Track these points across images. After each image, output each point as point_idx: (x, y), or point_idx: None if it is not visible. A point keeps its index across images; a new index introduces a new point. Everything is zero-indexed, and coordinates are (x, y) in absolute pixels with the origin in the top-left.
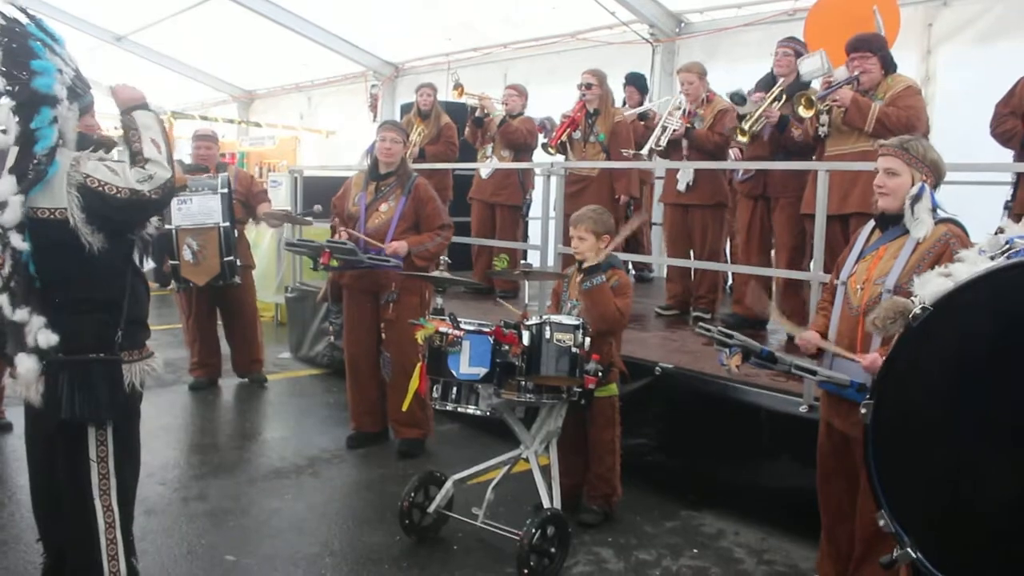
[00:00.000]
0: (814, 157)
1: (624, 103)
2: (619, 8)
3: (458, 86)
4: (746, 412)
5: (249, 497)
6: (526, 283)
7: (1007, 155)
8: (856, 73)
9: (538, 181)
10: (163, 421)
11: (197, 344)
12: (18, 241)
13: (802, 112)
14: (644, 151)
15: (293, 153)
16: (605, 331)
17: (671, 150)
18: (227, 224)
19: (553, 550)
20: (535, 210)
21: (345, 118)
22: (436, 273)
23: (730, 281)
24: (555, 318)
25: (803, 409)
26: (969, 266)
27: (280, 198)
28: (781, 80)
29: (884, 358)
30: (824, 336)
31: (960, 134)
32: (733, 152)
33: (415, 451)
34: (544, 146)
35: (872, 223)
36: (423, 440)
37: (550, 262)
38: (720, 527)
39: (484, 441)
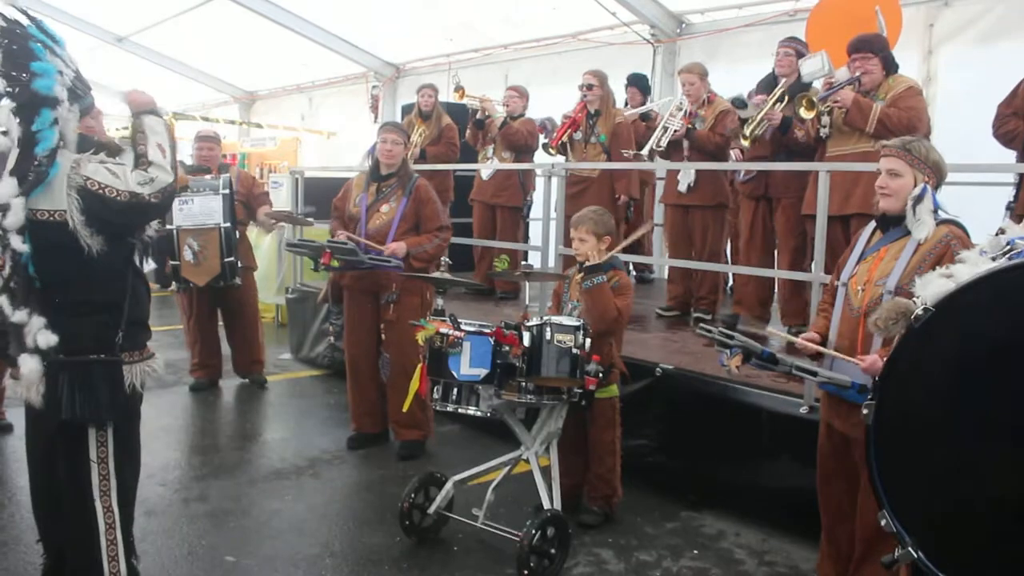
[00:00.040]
0: (816, 158)
1: (626, 104)
2: (620, 9)
3: (459, 88)
4: (747, 413)
5: (249, 498)
6: (527, 284)
7: (1007, 155)
8: (857, 74)
9: (539, 182)
10: (163, 422)
11: (198, 345)
12: (18, 243)
13: (803, 113)
14: (644, 152)
15: (294, 154)
16: (604, 331)
17: (672, 151)
18: (228, 225)
19: (553, 551)
20: (536, 211)
21: (346, 119)
22: (437, 274)
23: (731, 282)
24: (556, 319)
25: (803, 410)
26: (970, 267)
27: (281, 199)
28: (783, 81)
29: (885, 359)
30: (825, 337)
31: (961, 134)
32: (734, 153)
33: (415, 452)
34: (545, 147)
35: (873, 224)
36: (423, 441)
37: (551, 263)
38: (721, 528)
39: (484, 442)
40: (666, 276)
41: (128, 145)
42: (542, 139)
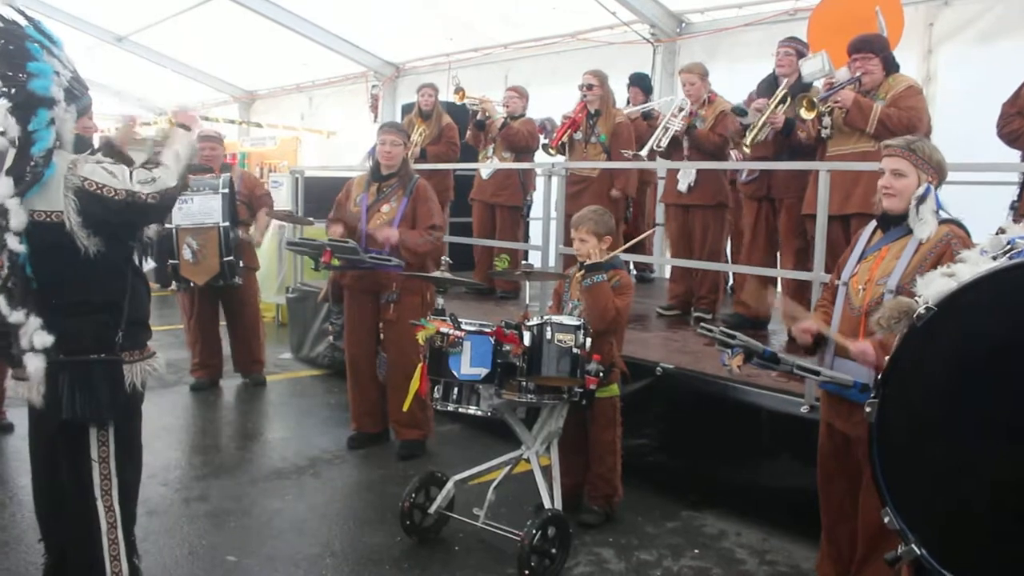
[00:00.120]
0: (816, 158)
1: (628, 103)
2: (620, 8)
3: (459, 90)
4: (747, 413)
5: (250, 498)
6: (527, 284)
7: (1007, 154)
8: (858, 74)
9: (539, 182)
10: (164, 422)
11: (198, 345)
12: (15, 243)
13: (803, 114)
14: (644, 152)
15: (294, 154)
16: (604, 330)
17: (672, 150)
18: (227, 224)
19: (554, 551)
20: (536, 211)
21: (346, 118)
22: (437, 273)
23: (731, 281)
24: (556, 319)
25: (804, 410)
26: (972, 266)
27: (281, 198)
28: (784, 82)
29: (888, 358)
30: (818, 333)
31: (961, 134)
32: (734, 153)
33: (416, 452)
34: (545, 147)
35: (873, 223)
36: (424, 441)
37: (551, 262)
38: (721, 527)
39: (485, 442)
40: (667, 275)
41: (146, 145)
42: (542, 139)
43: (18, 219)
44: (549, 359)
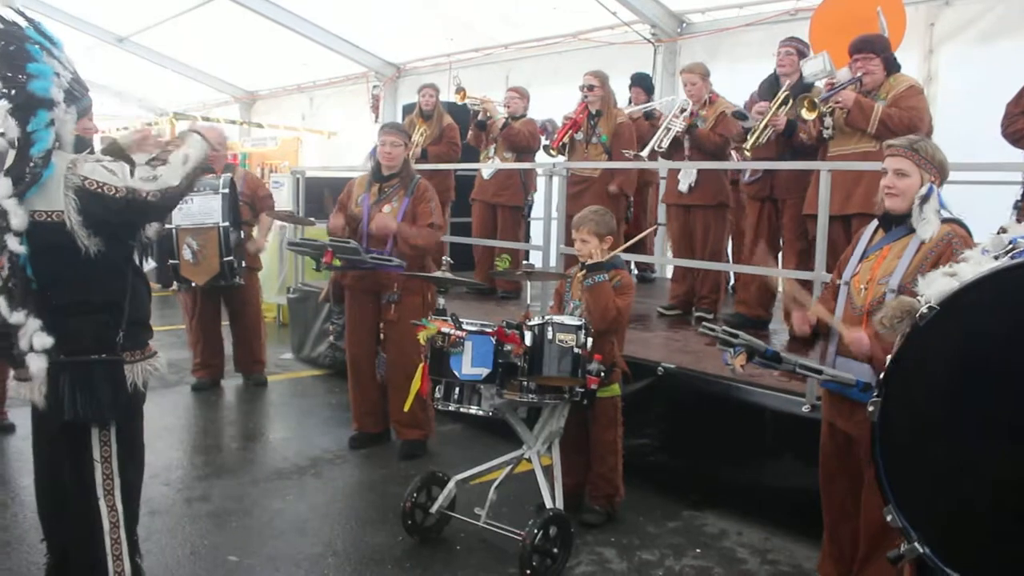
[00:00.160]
0: (818, 158)
1: (630, 103)
2: (620, 8)
3: (460, 90)
4: (748, 412)
5: (252, 498)
6: (528, 284)
7: (1008, 154)
8: (859, 75)
9: (540, 182)
10: (166, 422)
11: (200, 345)
12: (15, 244)
13: (805, 114)
14: (644, 152)
15: (295, 154)
16: (605, 330)
17: (673, 150)
18: (226, 224)
19: (556, 550)
20: (537, 211)
21: (347, 119)
22: (438, 273)
23: (732, 281)
24: (557, 318)
25: (805, 409)
26: (974, 266)
27: (282, 199)
28: (786, 84)
29: (890, 357)
30: (822, 332)
31: (962, 134)
32: (735, 153)
33: (417, 451)
34: (546, 148)
35: (875, 223)
36: (425, 441)
37: (552, 262)
38: (723, 527)
39: (486, 441)
40: (668, 275)
41: (157, 147)
42: (543, 140)
43: (18, 219)
44: (550, 359)
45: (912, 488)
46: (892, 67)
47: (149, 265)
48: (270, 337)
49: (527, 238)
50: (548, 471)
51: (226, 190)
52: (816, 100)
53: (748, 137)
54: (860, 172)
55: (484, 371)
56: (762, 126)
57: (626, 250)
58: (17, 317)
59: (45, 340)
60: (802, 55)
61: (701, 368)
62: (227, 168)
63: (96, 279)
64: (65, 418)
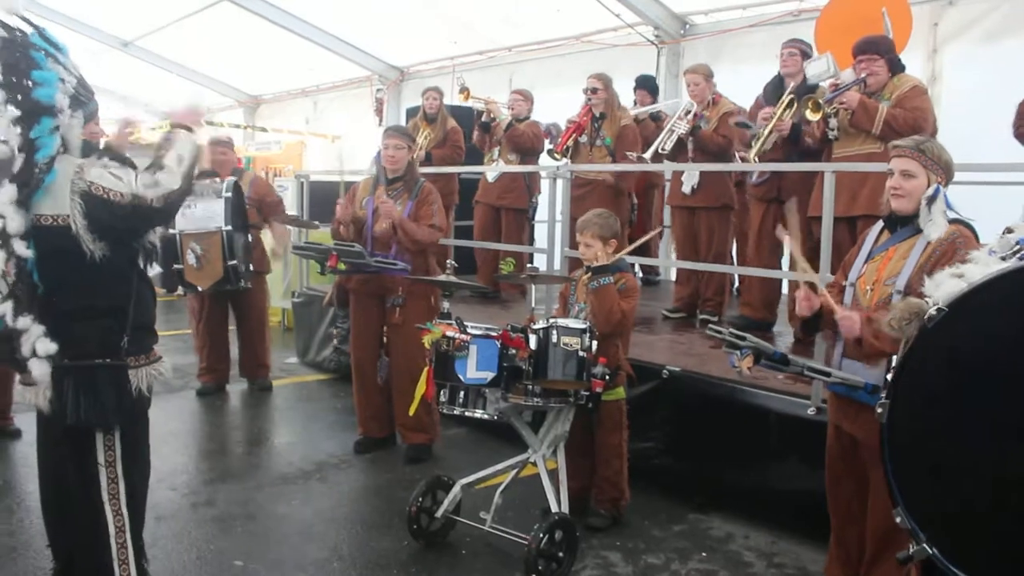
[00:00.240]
0: (822, 159)
1: (635, 104)
2: (624, 10)
3: (464, 90)
4: (753, 415)
5: (257, 502)
6: (532, 287)
7: (1011, 154)
8: (863, 75)
9: (544, 184)
10: (171, 426)
11: (206, 349)
12: (22, 248)
13: (809, 115)
14: (647, 154)
15: (299, 158)
16: (609, 333)
17: (677, 152)
18: (229, 228)
19: (561, 554)
20: (541, 213)
21: (351, 122)
22: (443, 277)
23: (736, 283)
24: (562, 322)
25: (811, 411)
26: (982, 267)
27: (287, 203)
28: (790, 86)
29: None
30: (825, 318)
31: (967, 134)
32: (739, 155)
33: (422, 456)
34: (550, 152)
35: (880, 224)
36: (430, 445)
37: (556, 265)
38: (729, 530)
39: (491, 445)
40: (673, 278)
41: (148, 150)
42: (547, 144)
43: (16, 224)
44: (555, 362)
45: (920, 489)
46: (896, 68)
47: (154, 270)
48: (275, 341)
49: (531, 241)
50: (553, 475)
51: (229, 194)
52: (820, 101)
53: (752, 144)
54: (865, 173)
55: (489, 375)
56: (767, 132)
57: (630, 253)
58: (23, 322)
59: (49, 346)
60: (805, 56)
61: (706, 371)
62: (235, 172)
63: (101, 284)
64: (69, 422)
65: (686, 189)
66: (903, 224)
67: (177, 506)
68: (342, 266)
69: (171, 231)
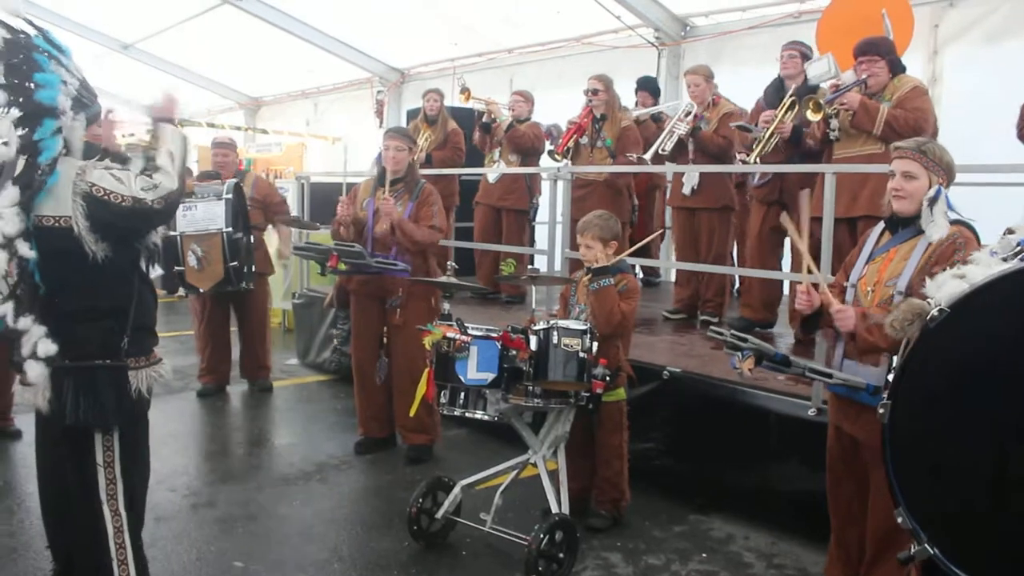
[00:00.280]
0: (822, 160)
1: (636, 105)
2: (624, 12)
3: (465, 90)
4: (754, 416)
5: (258, 503)
6: (533, 288)
7: (1011, 155)
8: (864, 76)
9: (545, 186)
10: (171, 428)
11: (208, 350)
12: (25, 249)
13: (810, 115)
14: (648, 155)
15: (300, 159)
16: (610, 334)
17: (678, 153)
18: (230, 230)
19: (562, 555)
20: (542, 214)
21: (351, 124)
22: (443, 278)
23: (737, 285)
24: (563, 323)
25: (811, 412)
26: (983, 268)
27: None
28: (791, 89)
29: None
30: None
31: (967, 135)
32: (740, 156)
33: (423, 457)
34: (551, 153)
35: (881, 225)
36: (431, 446)
37: (557, 267)
38: (729, 531)
39: (492, 446)
40: (673, 279)
41: (139, 151)
42: (548, 145)
43: (13, 225)
44: (556, 363)
45: (921, 489)
46: (897, 69)
47: (156, 272)
48: (275, 343)
49: (532, 242)
50: (554, 476)
51: (230, 196)
52: (821, 101)
53: (754, 147)
54: (866, 174)
55: (489, 376)
56: (767, 135)
57: (631, 254)
58: (24, 322)
59: (49, 347)
60: (805, 58)
61: (706, 372)
62: (237, 174)
63: (103, 285)
64: (68, 422)
65: (686, 190)
66: (904, 225)
67: (177, 507)
68: (342, 266)
69: (172, 233)
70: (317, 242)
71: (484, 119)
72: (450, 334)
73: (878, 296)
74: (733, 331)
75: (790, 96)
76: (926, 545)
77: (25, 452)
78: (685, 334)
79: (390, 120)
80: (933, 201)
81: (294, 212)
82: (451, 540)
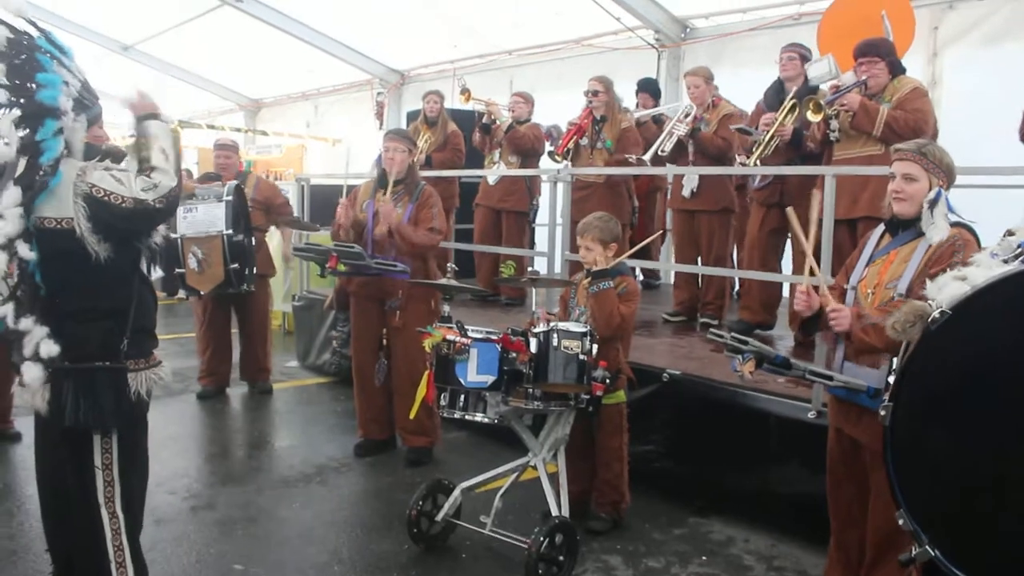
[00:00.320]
0: (822, 161)
1: (637, 107)
2: (624, 14)
3: (465, 91)
4: (754, 418)
5: (257, 506)
6: (533, 290)
7: (1011, 157)
8: (864, 78)
9: (545, 187)
10: (171, 430)
11: (208, 352)
12: (25, 251)
13: (810, 116)
14: (647, 156)
15: (300, 161)
16: (609, 337)
17: (678, 155)
18: (230, 232)
19: (561, 558)
20: (542, 216)
21: (352, 126)
22: (443, 280)
23: (736, 287)
24: (563, 325)
25: (811, 415)
26: (984, 270)
27: None
28: (792, 90)
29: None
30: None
31: (967, 137)
32: (740, 158)
33: (423, 459)
34: (551, 154)
35: (881, 227)
36: (431, 448)
37: (557, 269)
38: (729, 534)
39: (492, 449)
40: (672, 282)
41: (132, 152)
42: (548, 146)
43: (14, 226)
44: (556, 366)
45: (923, 491)
46: (897, 70)
47: (156, 274)
48: (275, 345)
49: (531, 244)
50: (554, 478)
51: (230, 198)
52: (821, 102)
53: (754, 149)
54: (867, 176)
55: (489, 378)
56: (768, 138)
57: (631, 256)
58: (26, 323)
59: (52, 348)
60: (805, 60)
61: (706, 374)
62: (239, 176)
63: (104, 286)
64: (67, 424)
65: (685, 193)
66: (905, 227)
67: (177, 510)
68: (342, 267)
69: (172, 235)
70: (317, 243)
71: (484, 120)
72: (450, 336)
73: (878, 298)
74: (734, 334)
75: (790, 99)
76: (927, 546)
77: (25, 454)
78: (685, 336)
79: (390, 122)
80: (933, 203)
81: (295, 214)
82: (451, 543)
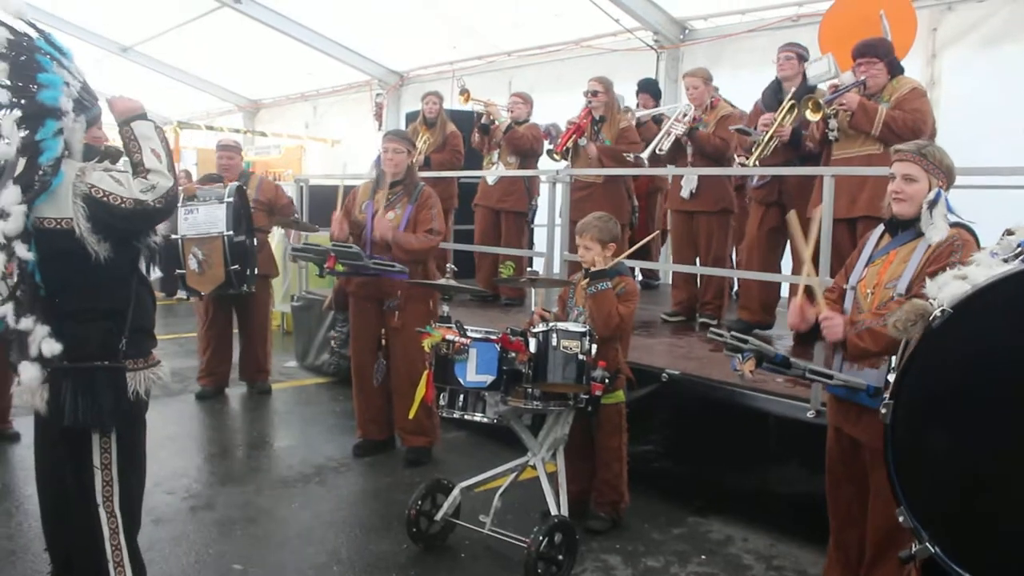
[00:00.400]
0: (821, 161)
1: (638, 107)
2: (623, 15)
3: (464, 92)
4: (753, 418)
5: (256, 506)
6: (532, 290)
7: (1011, 158)
8: (862, 78)
9: (544, 188)
10: (170, 430)
11: (208, 352)
12: (23, 251)
13: (809, 115)
14: (645, 155)
15: (299, 162)
16: (608, 337)
17: (677, 156)
18: (231, 233)
19: (561, 557)
20: (541, 217)
21: (350, 127)
22: (442, 281)
23: (735, 287)
24: (562, 325)
25: (810, 414)
26: (985, 269)
27: None
28: (791, 91)
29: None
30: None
31: (965, 139)
32: (739, 159)
33: (422, 459)
34: (550, 152)
35: (881, 227)
36: (430, 448)
37: (556, 269)
38: (728, 533)
39: (491, 448)
40: (671, 282)
41: (123, 154)
42: (547, 145)
43: (15, 225)
44: (555, 366)
45: (923, 489)
46: (895, 70)
47: (155, 274)
48: (274, 345)
49: (530, 245)
50: (553, 478)
51: (231, 199)
52: (820, 101)
53: (753, 149)
54: (865, 175)
55: (489, 378)
56: (767, 138)
57: (630, 256)
58: (26, 323)
59: (54, 347)
60: (802, 59)
61: (705, 374)
62: (241, 176)
63: (103, 285)
64: (66, 423)
65: (684, 193)
66: (904, 228)
67: (176, 510)
68: (340, 267)
69: (173, 236)
70: (315, 243)
71: (483, 121)
72: (449, 336)
73: (878, 298)
74: (734, 333)
75: (789, 100)
76: (927, 544)
77: (24, 455)
78: (683, 336)
79: (389, 123)
80: (933, 204)
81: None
82: (450, 542)
